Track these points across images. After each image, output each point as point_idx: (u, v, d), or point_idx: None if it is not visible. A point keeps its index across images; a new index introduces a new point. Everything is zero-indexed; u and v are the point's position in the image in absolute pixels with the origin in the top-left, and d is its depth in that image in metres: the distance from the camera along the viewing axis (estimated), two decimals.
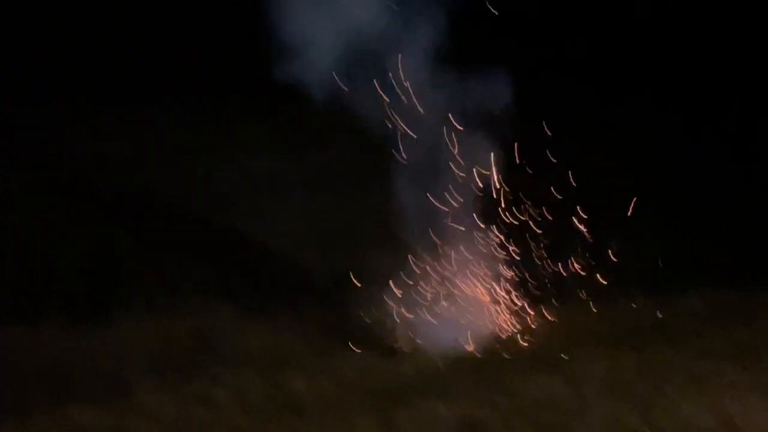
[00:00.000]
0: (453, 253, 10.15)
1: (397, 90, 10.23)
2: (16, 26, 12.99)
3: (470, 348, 9.78)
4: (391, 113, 10.33)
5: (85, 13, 13.01)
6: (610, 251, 10.99)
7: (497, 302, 10.24)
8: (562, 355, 9.54)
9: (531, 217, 10.51)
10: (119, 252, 10.91)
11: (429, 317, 9.96)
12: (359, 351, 9.64)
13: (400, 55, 10.03)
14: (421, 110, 10.32)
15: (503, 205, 10.31)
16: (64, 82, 12.74)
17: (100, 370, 9.15)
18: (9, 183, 11.45)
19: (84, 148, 12.03)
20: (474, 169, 10.21)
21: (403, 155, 10.20)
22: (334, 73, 10.05)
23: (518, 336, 10.04)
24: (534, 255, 10.67)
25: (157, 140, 12.32)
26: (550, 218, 10.48)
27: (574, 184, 10.73)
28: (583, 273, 10.83)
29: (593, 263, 10.89)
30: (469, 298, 10.12)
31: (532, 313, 10.33)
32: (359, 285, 10.08)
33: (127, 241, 11.10)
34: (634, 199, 10.91)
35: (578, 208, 10.77)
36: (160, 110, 12.50)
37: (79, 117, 12.34)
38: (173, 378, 9.03)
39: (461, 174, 10.18)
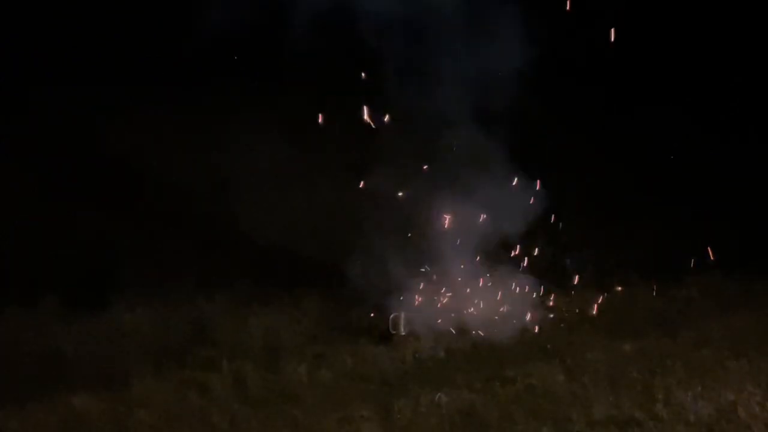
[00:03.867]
0: (453, 242, 10.15)
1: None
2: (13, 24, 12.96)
3: (468, 336, 9.76)
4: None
5: (83, 6, 12.95)
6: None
7: (496, 291, 10.22)
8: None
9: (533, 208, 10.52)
10: (117, 241, 10.89)
11: (427, 305, 9.95)
12: (357, 339, 9.63)
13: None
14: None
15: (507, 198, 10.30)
16: (63, 74, 12.68)
17: (97, 356, 9.17)
18: (9, 172, 11.40)
19: (84, 138, 11.97)
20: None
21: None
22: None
23: (516, 324, 10.01)
24: (534, 244, 10.70)
25: (157, 130, 12.25)
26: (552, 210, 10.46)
27: (576, 176, 10.77)
28: (581, 262, 10.87)
29: (592, 253, 10.92)
30: (468, 286, 10.12)
31: (530, 301, 10.32)
32: (357, 274, 10.07)
33: (125, 230, 11.07)
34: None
35: (579, 198, 10.81)
36: (160, 101, 12.45)
37: (79, 108, 12.27)
38: (169, 365, 9.02)
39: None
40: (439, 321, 9.92)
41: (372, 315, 9.87)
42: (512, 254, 10.52)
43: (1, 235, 10.71)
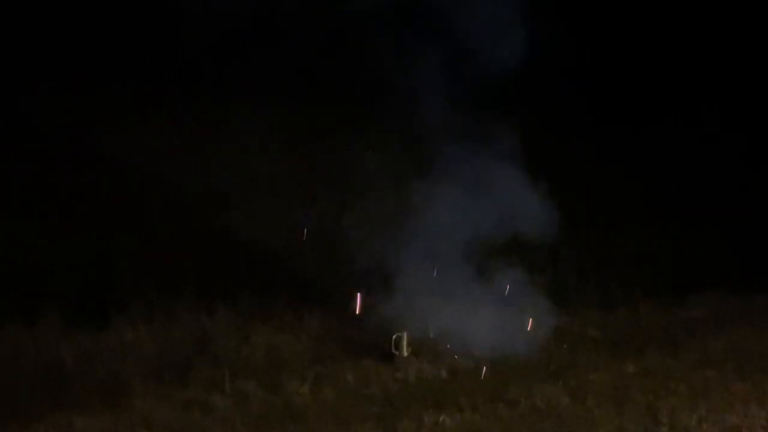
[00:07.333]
0: (455, 260, 10.11)
1: None
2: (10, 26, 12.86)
3: (471, 356, 9.71)
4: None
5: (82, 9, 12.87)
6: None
7: (499, 310, 10.17)
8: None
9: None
10: (118, 255, 10.81)
11: (432, 324, 9.90)
12: (360, 358, 9.58)
13: None
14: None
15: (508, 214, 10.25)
16: (59, 80, 12.61)
17: (97, 374, 9.05)
18: (6, 183, 11.34)
19: (82, 149, 11.93)
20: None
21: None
22: None
23: (519, 344, 9.96)
24: (536, 262, 10.66)
25: (156, 141, 12.22)
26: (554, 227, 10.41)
27: (578, 193, 10.72)
28: (584, 281, 10.83)
29: (595, 271, 10.89)
30: (470, 305, 10.07)
31: (533, 321, 10.27)
32: (361, 290, 10.03)
33: (126, 243, 11.00)
34: None
35: (581, 215, 10.76)
36: (159, 110, 12.40)
37: (76, 117, 12.21)
38: (171, 383, 8.94)
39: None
40: (442, 341, 9.87)
41: (376, 333, 9.81)
42: (514, 272, 10.43)
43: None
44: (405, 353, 9.68)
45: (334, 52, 12.33)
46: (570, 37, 13.11)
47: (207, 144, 12.32)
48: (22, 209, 11.01)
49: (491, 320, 10.00)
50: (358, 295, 9.93)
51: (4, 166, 11.44)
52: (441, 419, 8.29)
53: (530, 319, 10.19)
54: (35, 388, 8.71)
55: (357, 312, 9.93)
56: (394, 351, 9.65)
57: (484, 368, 9.35)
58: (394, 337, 9.66)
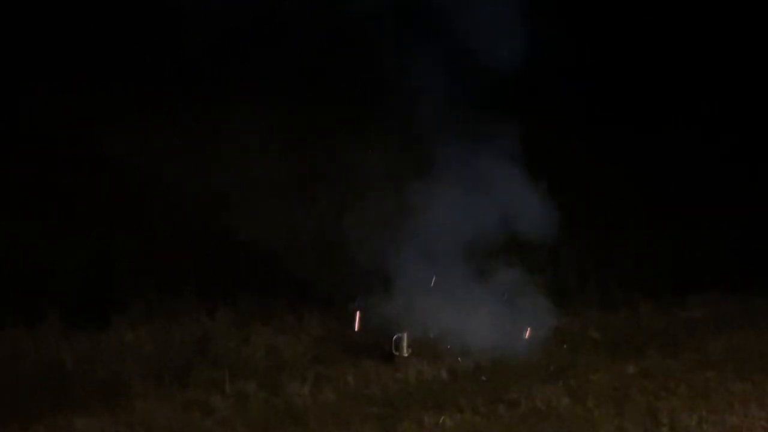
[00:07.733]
0: (455, 261, 10.11)
1: None
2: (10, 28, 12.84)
3: (471, 357, 9.71)
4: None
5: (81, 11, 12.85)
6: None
7: (499, 311, 10.18)
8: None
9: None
10: (118, 255, 10.80)
11: (432, 324, 9.91)
12: (360, 359, 9.58)
13: None
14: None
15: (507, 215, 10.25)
16: (60, 80, 12.59)
17: (98, 375, 9.03)
18: (6, 183, 11.32)
19: (82, 149, 11.92)
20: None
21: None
22: None
23: (519, 345, 9.97)
24: (536, 263, 10.66)
25: (156, 141, 12.22)
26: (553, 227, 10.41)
27: (578, 193, 10.72)
28: (584, 281, 10.83)
29: (595, 271, 10.89)
30: (470, 306, 10.07)
31: (533, 322, 10.27)
32: (360, 291, 10.03)
33: (126, 243, 11.00)
34: None
35: (581, 216, 10.77)
36: (159, 110, 12.40)
37: (76, 118, 12.20)
38: (171, 384, 8.92)
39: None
40: (442, 341, 9.87)
41: (376, 334, 9.81)
42: (513, 272, 10.43)
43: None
44: (405, 354, 9.68)
45: (334, 52, 12.33)
46: (570, 37, 13.10)
47: (207, 144, 12.30)
48: (22, 209, 10.99)
49: (491, 321, 10.01)
50: (357, 313, 9.91)
51: (4, 166, 11.40)
52: (441, 420, 8.29)
53: (530, 320, 10.19)
54: (35, 389, 8.69)
55: (356, 330, 9.91)
56: (394, 352, 9.65)
57: (484, 369, 9.34)
58: (394, 337, 9.66)
